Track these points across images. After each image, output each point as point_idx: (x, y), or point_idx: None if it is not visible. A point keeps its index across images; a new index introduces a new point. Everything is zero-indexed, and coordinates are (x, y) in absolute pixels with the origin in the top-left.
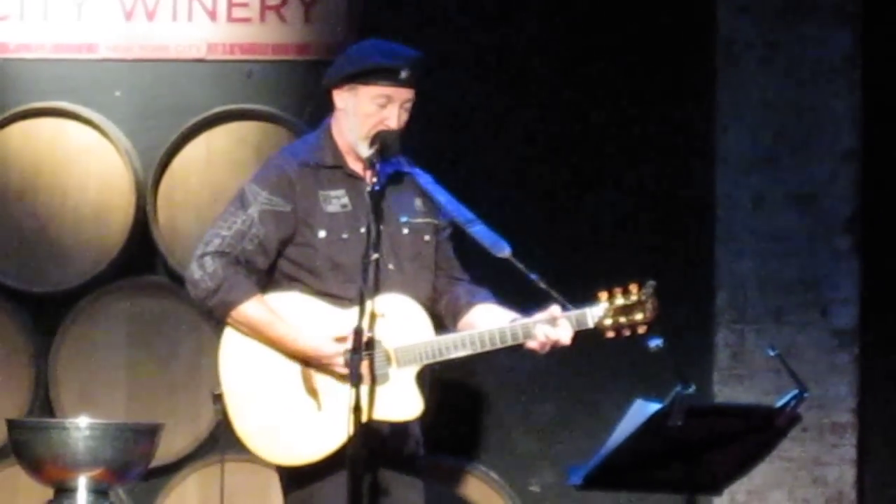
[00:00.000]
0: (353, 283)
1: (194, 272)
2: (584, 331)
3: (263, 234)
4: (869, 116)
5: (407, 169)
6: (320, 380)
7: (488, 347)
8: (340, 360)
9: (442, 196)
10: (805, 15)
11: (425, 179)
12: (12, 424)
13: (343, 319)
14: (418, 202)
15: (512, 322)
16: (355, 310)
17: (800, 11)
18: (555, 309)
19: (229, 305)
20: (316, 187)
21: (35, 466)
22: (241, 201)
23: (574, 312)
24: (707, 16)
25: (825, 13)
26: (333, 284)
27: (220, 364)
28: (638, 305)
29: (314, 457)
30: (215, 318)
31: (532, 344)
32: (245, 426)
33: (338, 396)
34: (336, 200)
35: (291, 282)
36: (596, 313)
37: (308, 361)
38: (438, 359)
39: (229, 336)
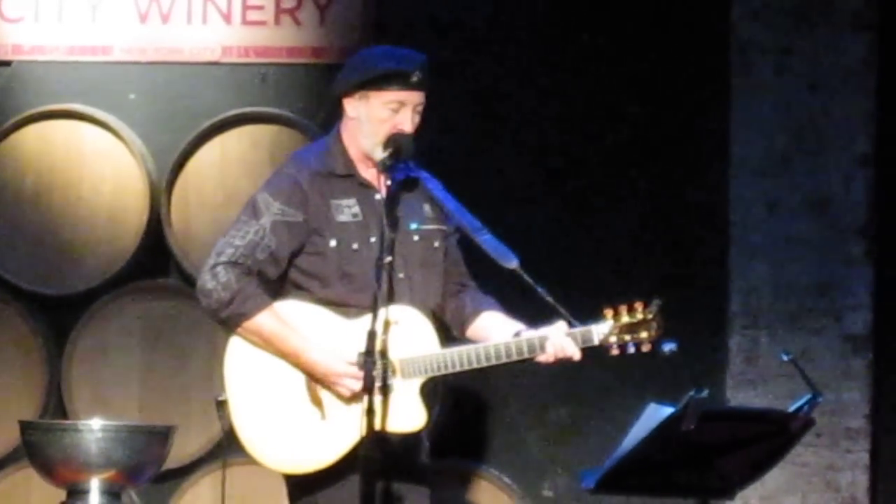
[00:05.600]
0: (362, 292)
1: (206, 282)
2: (588, 348)
3: (276, 245)
4: (883, 122)
5: (415, 173)
6: (324, 390)
7: (494, 362)
8: (346, 382)
9: (450, 203)
10: (820, 20)
11: (434, 185)
12: (25, 426)
13: (352, 333)
14: (427, 208)
15: (516, 335)
16: (363, 319)
17: (815, 17)
18: (561, 325)
19: (242, 317)
20: (328, 196)
21: (48, 468)
22: (253, 211)
23: (579, 329)
24: (722, 21)
25: (840, 19)
26: (342, 293)
27: (226, 371)
28: (643, 324)
29: (317, 465)
30: (226, 328)
31: (541, 358)
32: (249, 433)
33: (342, 405)
34: (347, 210)
35: (299, 290)
36: (601, 331)
37: (314, 377)
38: (443, 372)
39: (235, 344)
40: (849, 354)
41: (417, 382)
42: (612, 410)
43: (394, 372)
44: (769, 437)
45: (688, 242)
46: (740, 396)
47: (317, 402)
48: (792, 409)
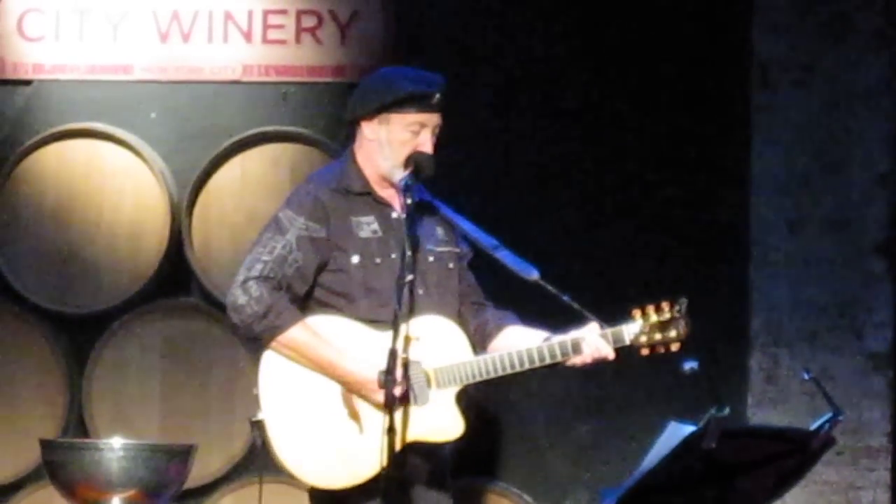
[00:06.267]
0: (387, 307)
1: (238, 298)
2: (618, 350)
3: (302, 260)
4: None
5: (427, 198)
6: (361, 403)
7: (529, 366)
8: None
9: (465, 224)
10: (840, 38)
11: (445, 208)
12: (46, 445)
13: (384, 344)
14: (440, 231)
15: (545, 340)
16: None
17: (835, 35)
18: (594, 326)
19: (277, 330)
20: (348, 213)
21: (69, 487)
22: (277, 227)
23: (611, 329)
24: (742, 38)
25: (861, 37)
26: (367, 309)
27: (261, 389)
28: (671, 322)
29: (356, 480)
30: (260, 342)
31: (577, 360)
32: (288, 451)
33: (379, 419)
34: (367, 226)
35: (324, 307)
36: (632, 330)
37: (350, 387)
38: (479, 379)
39: (269, 361)
40: (870, 373)
41: (453, 391)
42: (633, 429)
43: (429, 382)
44: (790, 456)
45: (709, 261)
46: (761, 415)
47: (354, 415)
48: (813, 427)
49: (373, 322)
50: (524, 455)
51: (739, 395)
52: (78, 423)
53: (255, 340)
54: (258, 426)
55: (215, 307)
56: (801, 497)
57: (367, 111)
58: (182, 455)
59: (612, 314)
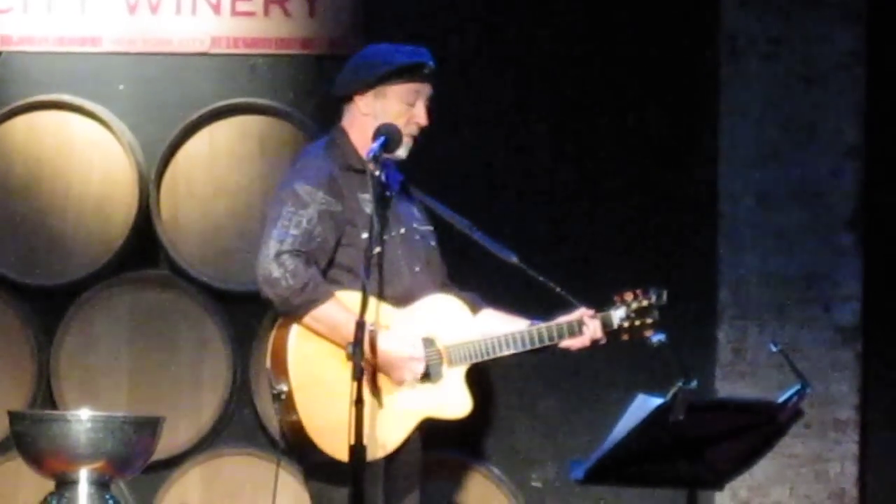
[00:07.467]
0: (391, 283)
1: (273, 271)
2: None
3: (324, 235)
4: (872, 113)
5: (401, 177)
6: (382, 378)
7: (538, 345)
8: (413, 365)
9: (439, 206)
10: (809, 11)
11: (417, 190)
12: (14, 416)
13: (405, 320)
14: (415, 210)
15: (531, 324)
16: (412, 307)
17: (804, 8)
18: (585, 310)
19: (314, 303)
20: (355, 189)
21: (37, 459)
22: (298, 201)
23: (602, 314)
24: (711, 12)
25: (829, 9)
26: (373, 284)
27: (290, 364)
28: (649, 309)
29: (374, 454)
30: (293, 316)
31: (575, 342)
32: (313, 424)
33: (398, 397)
34: (369, 203)
35: (331, 283)
36: (619, 315)
37: (382, 364)
38: (488, 357)
39: (298, 336)
40: (838, 345)
41: (463, 369)
42: (601, 401)
43: (441, 360)
44: (758, 428)
45: (677, 234)
46: (729, 387)
47: (374, 391)
48: (781, 399)
49: (376, 298)
50: (492, 428)
51: (707, 367)
52: (46, 395)
53: (290, 313)
54: (279, 398)
55: (184, 279)
56: (768, 469)
57: (361, 85)
58: (150, 427)
59: (582, 286)
